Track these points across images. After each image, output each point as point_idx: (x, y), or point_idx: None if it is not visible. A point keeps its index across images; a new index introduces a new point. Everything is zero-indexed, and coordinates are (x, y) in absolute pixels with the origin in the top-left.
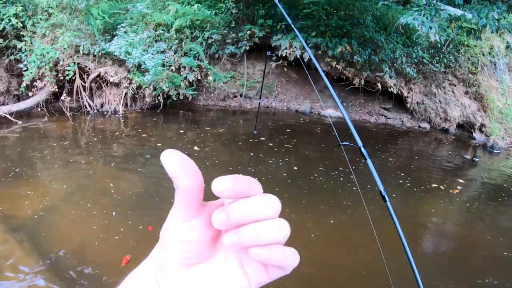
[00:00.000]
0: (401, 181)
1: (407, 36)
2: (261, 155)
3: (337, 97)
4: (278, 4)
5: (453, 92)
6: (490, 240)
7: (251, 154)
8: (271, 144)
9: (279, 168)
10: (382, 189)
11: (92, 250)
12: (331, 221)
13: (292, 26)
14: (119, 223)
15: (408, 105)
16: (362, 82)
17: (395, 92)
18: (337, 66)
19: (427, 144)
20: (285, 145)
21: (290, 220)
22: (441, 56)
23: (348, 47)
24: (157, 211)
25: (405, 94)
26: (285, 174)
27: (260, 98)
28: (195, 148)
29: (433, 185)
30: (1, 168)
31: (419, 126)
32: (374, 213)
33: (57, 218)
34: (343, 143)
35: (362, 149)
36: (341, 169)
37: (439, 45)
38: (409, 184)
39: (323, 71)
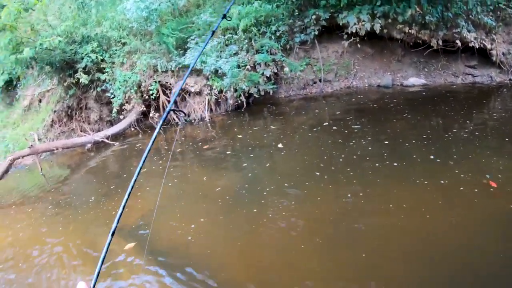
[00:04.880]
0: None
1: None
2: (353, 143)
3: None
4: None
5: None
6: None
7: None
8: (358, 126)
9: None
10: None
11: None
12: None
13: None
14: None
15: (494, 58)
16: (440, 43)
17: (477, 47)
18: (410, 31)
19: None
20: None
21: None
22: None
23: (418, 9)
24: (259, 206)
25: (488, 46)
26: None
27: None
28: (279, 145)
29: None
30: (110, 182)
31: (510, 79)
32: None
33: (167, 223)
34: None
35: None
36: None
37: None
38: None
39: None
